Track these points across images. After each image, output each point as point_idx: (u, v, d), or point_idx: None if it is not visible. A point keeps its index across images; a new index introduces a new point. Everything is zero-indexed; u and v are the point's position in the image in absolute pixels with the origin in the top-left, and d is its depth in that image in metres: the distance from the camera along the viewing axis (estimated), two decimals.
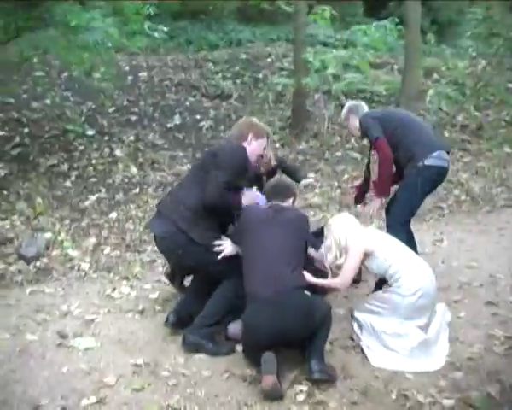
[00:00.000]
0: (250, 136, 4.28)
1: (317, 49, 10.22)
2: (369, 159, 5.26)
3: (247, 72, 12.08)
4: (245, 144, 4.24)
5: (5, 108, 9.80)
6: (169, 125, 9.98)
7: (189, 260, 4.06)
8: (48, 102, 10.26)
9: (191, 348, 3.99)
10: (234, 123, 9.82)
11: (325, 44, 12.45)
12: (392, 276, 4.04)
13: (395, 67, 12.59)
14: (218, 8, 15.23)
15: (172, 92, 11.17)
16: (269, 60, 12.71)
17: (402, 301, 3.97)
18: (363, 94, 10.95)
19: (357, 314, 4.27)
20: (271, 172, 5.19)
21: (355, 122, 4.97)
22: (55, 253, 6.18)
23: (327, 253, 4.28)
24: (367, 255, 4.12)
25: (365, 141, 5.54)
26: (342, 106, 10.76)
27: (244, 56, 12.72)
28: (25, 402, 3.43)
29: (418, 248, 4.99)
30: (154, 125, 10.02)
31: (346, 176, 8.84)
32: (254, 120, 4.54)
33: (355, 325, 4.27)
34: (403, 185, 4.80)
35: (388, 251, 4.11)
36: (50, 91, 10.61)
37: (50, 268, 5.83)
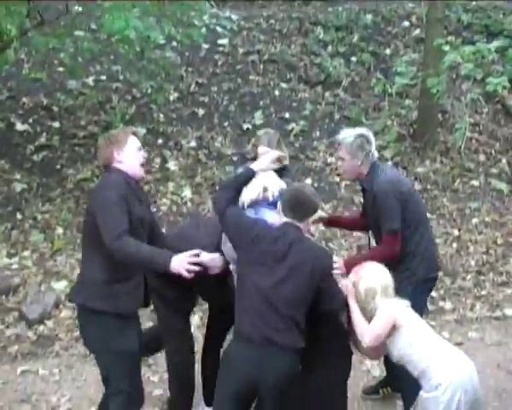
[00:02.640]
0: (114, 152, 5.10)
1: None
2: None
3: (370, 45, 13.29)
4: (116, 166, 5.09)
5: (33, 89, 11.55)
6: (246, 126, 11.45)
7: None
8: (90, 81, 11.93)
9: None
10: (336, 127, 11.49)
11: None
12: (422, 371, 4.94)
13: None
14: None
15: (259, 73, 12.60)
16: (406, 24, 13.85)
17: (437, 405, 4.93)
18: None
19: None
20: None
21: (361, 168, 5.80)
22: (64, 314, 7.84)
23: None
24: (394, 329, 5.05)
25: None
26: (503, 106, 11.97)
27: (370, 17, 13.90)
28: None
29: (505, 363, 6.78)
30: (225, 124, 11.53)
31: (475, 220, 9.96)
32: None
33: None
34: None
35: (418, 335, 5.01)
36: (95, 63, 12.31)
37: (53, 337, 7.48)
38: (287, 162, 6.26)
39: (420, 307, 5.78)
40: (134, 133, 5.25)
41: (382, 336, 4.93)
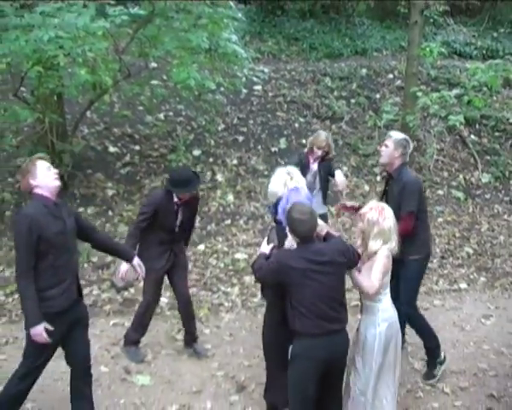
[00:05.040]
0: (30, 181, 4.73)
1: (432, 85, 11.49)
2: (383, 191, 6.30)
3: (364, 90, 13.51)
4: (35, 191, 4.72)
5: (121, 122, 11.84)
6: (273, 149, 11.68)
7: None
8: (161, 116, 12.23)
9: None
10: (339, 151, 11.70)
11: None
12: (373, 307, 4.92)
13: None
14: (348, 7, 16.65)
15: (284, 111, 12.82)
16: (391, 76, 14.04)
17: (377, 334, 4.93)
18: (487, 120, 12.17)
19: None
20: None
21: (396, 159, 5.88)
22: (141, 284, 8.09)
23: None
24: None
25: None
26: (460, 136, 12.14)
27: (365, 71, 14.12)
28: None
29: (459, 322, 7.19)
30: (259, 147, 11.75)
31: (440, 219, 10.12)
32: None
33: None
34: (405, 279, 5.89)
35: (388, 281, 4.98)
36: (165, 104, 12.60)
37: (134, 300, 7.71)
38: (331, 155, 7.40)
39: (419, 276, 6.10)
40: (41, 158, 4.84)
41: (380, 286, 4.81)
